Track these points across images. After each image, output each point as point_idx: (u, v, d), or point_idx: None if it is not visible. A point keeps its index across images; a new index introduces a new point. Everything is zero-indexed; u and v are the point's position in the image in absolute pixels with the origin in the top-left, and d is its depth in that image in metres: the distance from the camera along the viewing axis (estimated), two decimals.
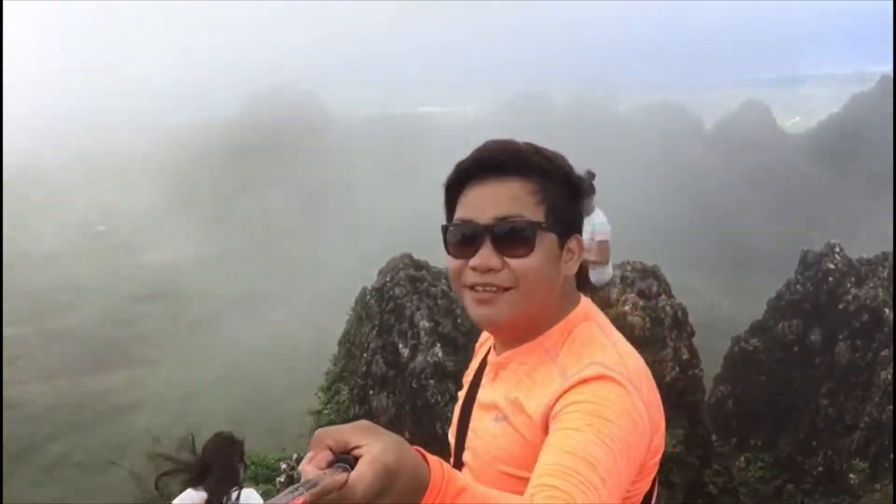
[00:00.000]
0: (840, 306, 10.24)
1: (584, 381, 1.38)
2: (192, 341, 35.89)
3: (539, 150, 1.57)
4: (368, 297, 8.07)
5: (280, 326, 31.15)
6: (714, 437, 7.59)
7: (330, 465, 0.94)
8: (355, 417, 8.41)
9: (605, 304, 7.88)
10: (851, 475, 8.01)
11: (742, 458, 10.57)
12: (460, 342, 7.79)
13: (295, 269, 42.02)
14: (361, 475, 0.91)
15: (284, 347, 26.16)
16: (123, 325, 39.86)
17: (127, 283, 44.74)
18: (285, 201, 52.19)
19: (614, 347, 1.50)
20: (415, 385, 7.49)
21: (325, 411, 8.30)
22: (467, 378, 1.80)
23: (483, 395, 1.64)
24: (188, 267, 46.39)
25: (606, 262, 7.88)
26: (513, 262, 1.49)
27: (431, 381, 7.38)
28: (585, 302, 1.64)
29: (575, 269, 1.59)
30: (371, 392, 7.83)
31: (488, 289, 1.53)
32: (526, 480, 1.26)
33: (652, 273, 8.22)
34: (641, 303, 7.77)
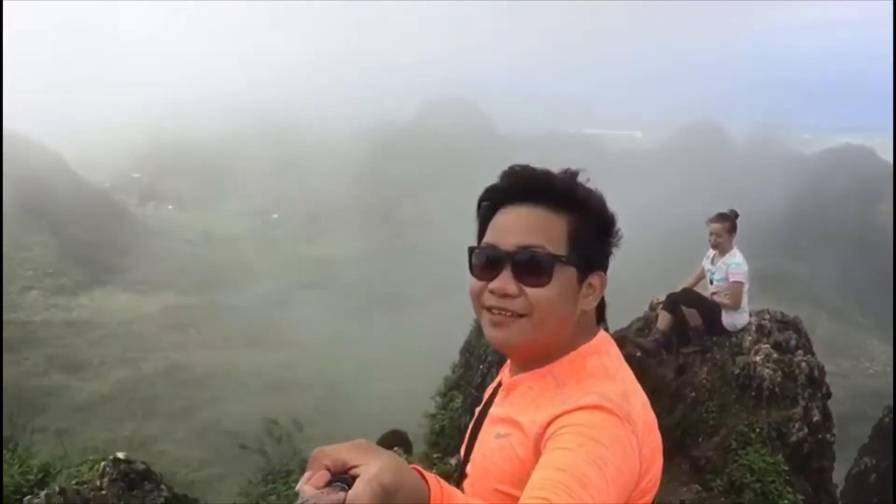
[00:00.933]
0: None
1: (582, 408, 1.43)
2: (340, 333, 37.55)
3: (573, 184, 1.60)
4: None
5: (421, 329, 31.93)
6: None
7: (328, 484, 0.95)
8: (467, 425, 8.55)
9: (736, 352, 7.52)
10: None
11: None
12: None
13: (443, 276, 42.92)
14: (358, 494, 0.92)
15: (420, 350, 26.85)
16: (282, 308, 42.38)
17: (290, 270, 47.56)
18: (447, 209, 53.39)
19: (622, 383, 1.55)
20: None
21: (439, 416, 8.48)
22: (487, 393, 1.86)
23: (494, 411, 1.71)
24: (346, 261, 48.59)
25: (738, 307, 7.55)
26: (529, 290, 1.54)
27: None
28: (601, 336, 1.69)
29: (593, 304, 1.64)
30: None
31: (503, 313, 1.59)
32: (516, 499, 1.30)
33: (793, 325, 7.74)
34: (775, 355, 7.33)
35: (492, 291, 1.60)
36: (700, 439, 7.35)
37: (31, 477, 6.50)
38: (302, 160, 62.74)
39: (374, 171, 58.72)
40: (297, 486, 0.98)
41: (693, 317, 7.72)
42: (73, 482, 5.43)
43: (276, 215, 58.93)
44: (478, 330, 8.21)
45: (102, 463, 5.60)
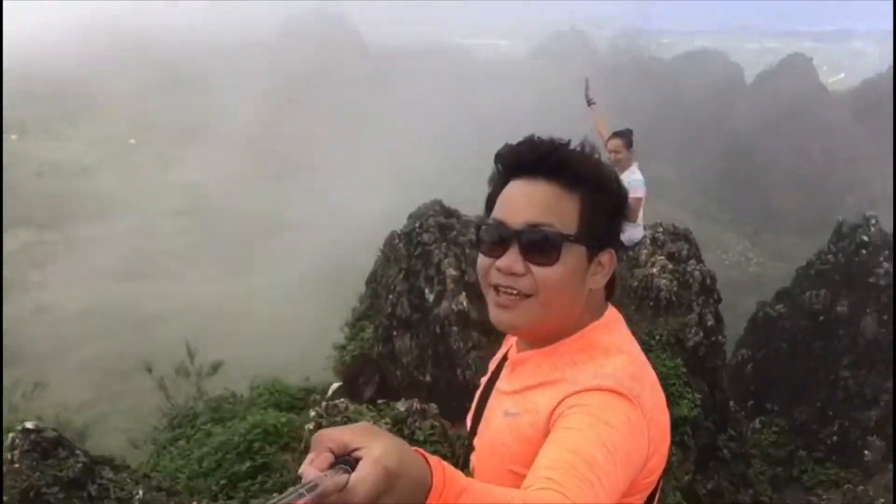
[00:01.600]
0: (871, 279, 10.12)
1: (591, 390, 1.41)
2: (218, 261, 36.42)
3: (586, 158, 1.54)
4: (397, 240, 8.11)
5: (307, 255, 31.41)
6: (732, 404, 7.64)
7: (331, 466, 0.94)
8: (379, 356, 8.58)
9: (633, 265, 7.85)
10: (867, 452, 8.06)
11: (757, 421, 10.66)
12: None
13: (326, 200, 42.11)
14: (362, 477, 0.92)
15: (310, 277, 26.43)
16: (150, 237, 40.52)
17: (155, 197, 45.24)
18: (324, 127, 51.86)
19: (632, 364, 1.51)
20: (438, 330, 7.58)
21: (350, 347, 8.45)
22: (492, 365, 1.83)
23: (501, 386, 1.67)
24: (217, 186, 46.68)
25: (636, 220, 7.82)
26: (536, 269, 1.49)
27: (455, 328, 7.46)
28: (610, 313, 1.65)
29: (603, 282, 1.59)
30: (395, 333, 7.95)
31: (510, 292, 1.54)
32: (523, 477, 1.28)
33: (683, 236, 8.16)
34: (670, 266, 7.74)
35: (499, 269, 1.52)
36: None
37: None
38: (162, 82, 58.84)
39: (241, 90, 55.93)
40: (301, 469, 0.95)
41: None
42: None
43: (133, 140, 55.34)
44: (385, 260, 8.17)
45: (11, 435, 5.25)
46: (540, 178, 1.50)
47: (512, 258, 1.49)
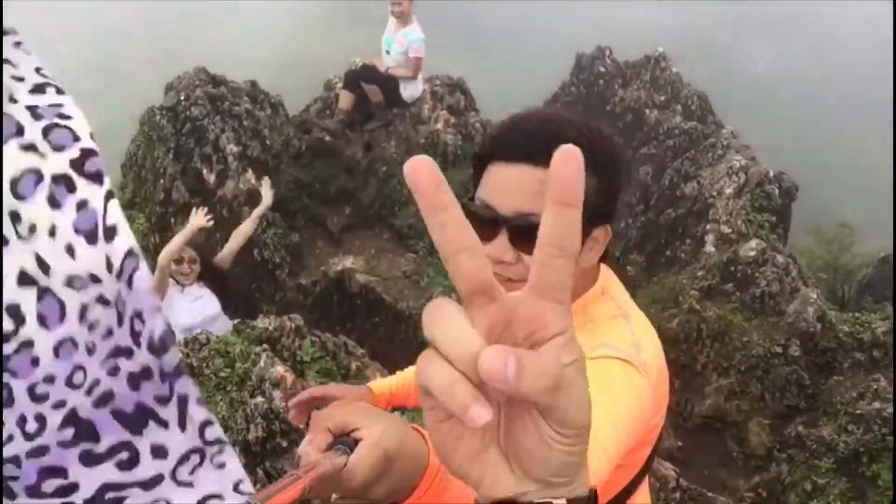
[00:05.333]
0: (608, 107, 11.10)
1: (593, 359, 1.40)
2: None
3: (584, 132, 1.44)
4: (158, 117, 7.19)
5: None
6: None
7: (330, 447, 0.94)
8: (156, 246, 7.81)
9: (417, 122, 7.82)
10: (629, 267, 9.19)
11: None
12: (270, 165, 7.37)
13: None
14: (361, 459, 0.91)
15: None
16: None
17: None
18: None
19: (630, 331, 1.53)
20: (226, 213, 7.07)
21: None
22: None
23: None
24: None
25: (416, 77, 7.72)
26: (527, 258, 1.40)
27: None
28: (604, 276, 1.62)
29: (595, 259, 1.55)
30: (173, 220, 7.27)
31: (499, 278, 1.48)
32: None
33: (458, 87, 8.21)
34: (453, 119, 7.81)
35: (487, 255, 1.47)
36: (397, 209, 7.79)
37: None
38: None
39: None
40: (300, 449, 0.97)
41: (374, 93, 7.74)
42: None
43: None
44: (146, 141, 7.26)
45: None
46: (531, 163, 1.39)
47: (502, 247, 1.43)
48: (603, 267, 1.60)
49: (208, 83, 7.28)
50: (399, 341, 6.79)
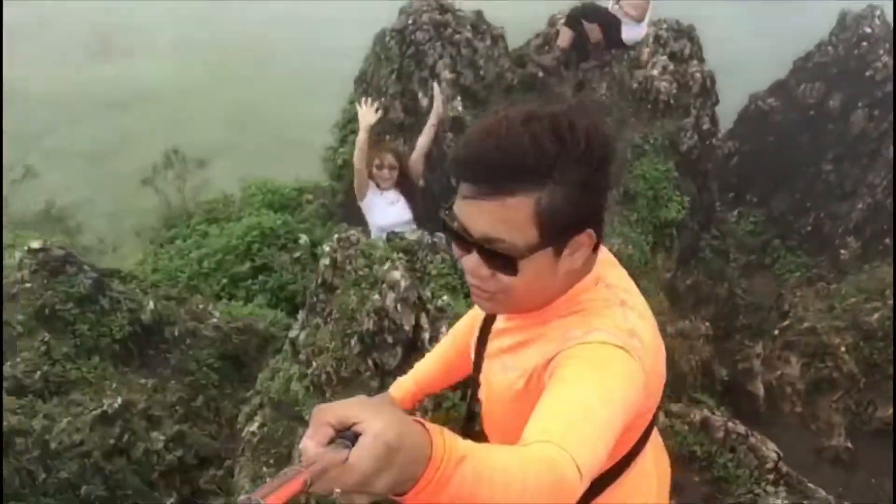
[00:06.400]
0: (867, 73, 9.95)
1: (586, 343, 1.42)
2: (188, 35, 34.55)
3: (549, 149, 1.35)
4: (388, 38, 7.71)
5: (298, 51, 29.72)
6: (717, 204, 7.81)
7: (330, 441, 0.95)
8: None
9: (634, 65, 7.63)
10: (843, 251, 8.41)
11: (735, 213, 10.97)
12: (481, 95, 7.64)
13: None
14: (362, 452, 0.93)
15: (263, 50, 24.78)
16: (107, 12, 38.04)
17: None
18: None
19: (625, 318, 1.50)
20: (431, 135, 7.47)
21: (341, 149, 8.35)
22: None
23: (495, 341, 1.70)
24: None
25: (642, 20, 7.50)
26: (500, 276, 1.45)
27: (449, 134, 7.35)
28: (600, 264, 1.60)
29: (580, 261, 1.51)
30: (388, 136, 7.83)
31: (477, 291, 1.54)
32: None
33: (686, 34, 7.84)
34: (671, 66, 7.51)
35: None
36: None
37: None
38: None
39: None
40: (301, 444, 0.97)
41: (594, 31, 7.65)
42: None
43: None
44: (376, 60, 7.82)
45: (18, 254, 5.31)
46: (493, 193, 1.37)
47: (475, 263, 1.46)
48: (601, 254, 1.59)
49: (436, 9, 7.64)
50: None
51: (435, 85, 6.43)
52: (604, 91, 7.67)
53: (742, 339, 7.48)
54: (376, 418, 0.95)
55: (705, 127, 7.49)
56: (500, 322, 1.68)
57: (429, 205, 6.24)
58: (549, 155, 1.34)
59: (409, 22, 7.58)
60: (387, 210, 5.78)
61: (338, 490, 0.93)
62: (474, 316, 1.92)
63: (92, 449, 4.32)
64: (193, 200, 10.43)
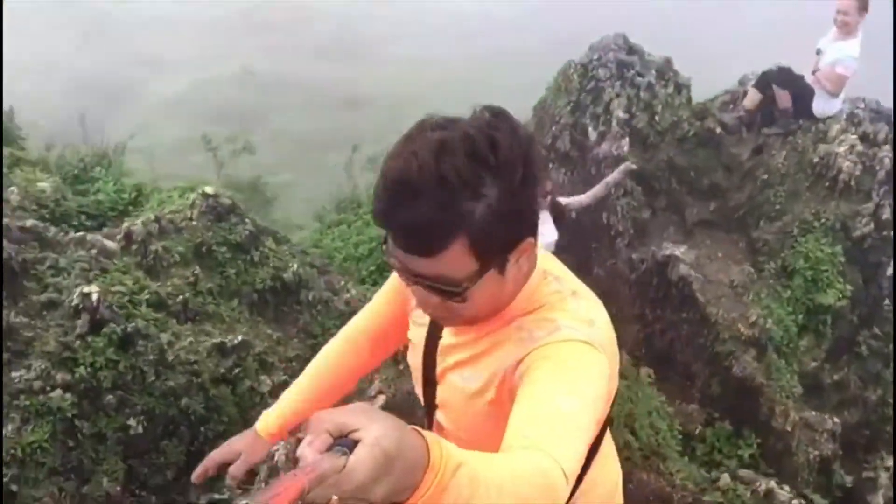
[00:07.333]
0: None
1: (552, 343, 1.45)
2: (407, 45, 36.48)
3: (454, 185, 1.30)
4: (571, 70, 7.89)
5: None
6: (887, 303, 7.22)
7: (329, 448, 0.95)
8: None
9: (819, 139, 7.29)
10: None
11: None
12: (651, 140, 7.61)
13: None
14: (360, 460, 0.92)
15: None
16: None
17: None
18: None
19: (579, 306, 1.55)
20: (593, 171, 7.54)
21: None
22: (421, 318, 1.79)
23: (452, 357, 1.67)
24: None
25: (838, 95, 7.17)
26: (450, 303, 1.46)
27: (609, 171, 7.38)
28: (541, 259, 1.62)
29: (527, 265, 1.53)
30: (552, 165, 7.98)
31: (437, 317, 1.60)
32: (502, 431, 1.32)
33: (885, 117, 7.36)
34: (860, 147, 7.09)
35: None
36: (762, 222, 7.43)
37: (125, 196, 7.03)
38: None
39: None
40: (298, 451, 0.97)
41: (784, 98, 7.39)
42: (167, 211, 5.88)
43: None
44: (556, 90, 8.02)
45: (192, 195, 6.01)
46: (409, 253, 1.40)
47: (422, 294, 1.48)
48: (539, 251, 1.59)
49: (623, 49, 7.73)
50: (697, 345, 6.65)
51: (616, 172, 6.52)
52: (782, 159, 7.37)
53: (881, 449, 6.85)
54: (375, 426, 0.95)
55: (885, 217, 6.97)
56: (449, 338, 1.66)
57: (580, 245, 6.32)
58: (472, 185, 1.31)
59: (595, 57, 7.71)
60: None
61: (335, 497, 0.93)
62: (400, 283, 1.78)
63: (203, 371, 4.81)
64: (366, 193, 11.07)
